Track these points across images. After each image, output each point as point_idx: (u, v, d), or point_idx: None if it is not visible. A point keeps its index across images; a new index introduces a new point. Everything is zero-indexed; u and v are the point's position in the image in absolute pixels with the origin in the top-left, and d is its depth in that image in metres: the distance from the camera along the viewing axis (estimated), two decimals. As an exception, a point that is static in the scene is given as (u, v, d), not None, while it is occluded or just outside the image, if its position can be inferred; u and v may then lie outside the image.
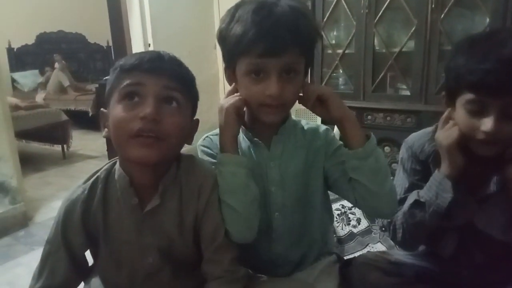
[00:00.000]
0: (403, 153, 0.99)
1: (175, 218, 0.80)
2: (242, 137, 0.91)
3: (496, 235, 0.85)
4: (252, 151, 0.89)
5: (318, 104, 0.82)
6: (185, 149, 0.82)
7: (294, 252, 0.94)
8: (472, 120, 0.78)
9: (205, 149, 0.92)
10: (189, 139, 0.81)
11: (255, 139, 0.89)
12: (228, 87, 0.88)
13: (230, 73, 0.85)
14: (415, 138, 0.96)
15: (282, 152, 0.89)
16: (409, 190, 0.94)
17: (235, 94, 0.84)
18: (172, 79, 0.74)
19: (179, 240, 0.81)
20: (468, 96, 0.77)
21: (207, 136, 0.94)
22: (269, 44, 0.75)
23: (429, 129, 0.95)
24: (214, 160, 0.85)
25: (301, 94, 0.84)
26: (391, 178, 0.83)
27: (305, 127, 0.93)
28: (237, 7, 0.81)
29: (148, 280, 0.82)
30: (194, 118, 0.83)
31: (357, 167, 0.79)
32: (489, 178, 0.85)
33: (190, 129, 0.80)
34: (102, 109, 0.79)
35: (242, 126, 0.89)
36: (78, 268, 0.82)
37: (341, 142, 0.86)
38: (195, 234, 0.82)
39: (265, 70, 0.77)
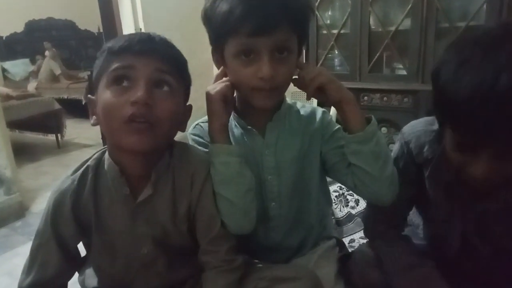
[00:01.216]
0: (397, 148, 0.86)
1: (168, 207, 0.78)
2: (234, 125, 0.87)
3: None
4: (246, 139, 0.86)
5: (316, 89, 0.78)
6: (178, 136, 0.79)
7: (291, 239, 0.92)
8: (461, 156, 0.66)
9: (196, 137, 0.88)
10: (182, 126, 0.78)
11: (249, 127, 0.85)
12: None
13: (218, 56, 0.81)
14: (414, 134, 0.82)
15: (277, 139, 0.86)
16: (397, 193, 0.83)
17: (223, 78, 0.80)
18: (164, 61, 0.71)
19: (173, 229, 0.79)
20: (455, 134, 0.65)
21: (197, 124, 0.90)
22: (258, 21, 0.70)
23: (432, 125, 0.81)
24: (206, 149, 0.81)
25: (296, 77, 0.81)
26: (392, 163, 0.79)
27: (301, 111, 0.90)
28: None
29: (143, 270, 0.81)
30: (187, 104, 0.80)
31: (357, 151, 0.76)
32: (495, 190, 0.74)
33: (183, 115, 0.77)
34: (89, 95, 0.76)
35: (234, 113, 0.85)
36: (70, 259, 0.80)
37: (339, 125, 0.83)
38: (190, 223, 0.80)
39: (255, 50, 0.73)
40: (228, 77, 0.80)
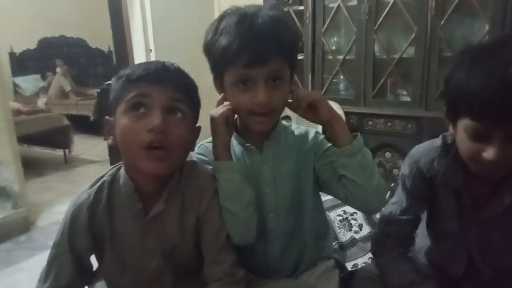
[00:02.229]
0: (405, 169, 0.92)
1: (177, 222, 0.82)
2: (235, 143, 0.93)
3: None
4: (245, 156, 0.92)
5: (307, 109, 0.85)
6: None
7: (289, 255, 0.95)
8: (474, 145, 0.73)
9: (201, 156, 0.94)
10: (192, 146, 0.84)
11: (247, 144, 0.91)
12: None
13: (218, 83, 0.88)
14: (422, 153, 0.89)
15: (274, 155, 0.92)
16: (406, 211, 0.92)
17: (225, 103, 0.87)
18: (178, 90, 0.76)
19: (181, 243, 0.82)
20: (469, 122, 0.71)
21: (202, 144, 0.96)
22: (253, 54, 0.77)
23: (437, 143, 0.89)
24: (210, 167, 0.87)
25: (290, 101, 0.87)
26: (379, 174, 0.85)
27: (295, 132, 0.96)
28: (220, 19, 0.83)
29: (150, 284, 0.83)
30: (197, 126, 0.85)
31: (345, 163, 0.82)
32: (496, 195, 0.81)
33: (192, 135, 0.83)
34: (106, 117, 0.80)
35: (235, 133, 0.92)
36: (83, 271, 0.83)
37: (330, 144, 0.90)
38: (197, 237, 0.83)
39: (251, 79, 0.80)
40: (228, 102, 0.87)
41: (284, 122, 0.96)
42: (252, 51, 0.77)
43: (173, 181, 0.82)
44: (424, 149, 0.90)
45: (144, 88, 0.74)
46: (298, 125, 1.00)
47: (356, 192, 0.83)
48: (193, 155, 0.95)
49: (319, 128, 0.95)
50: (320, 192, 0.99)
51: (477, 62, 0.71)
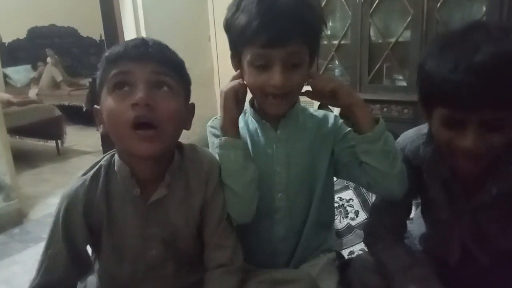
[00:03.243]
0: None
1: (181, 207, 0.80)
2: (250, 119, 0.93)
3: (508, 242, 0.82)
4: (260, 132, 0.91)
5: (327, 95, 0.84)
6: (193, 137, 0.81)
7: (293, 239, 0.95)
8: (450, 133, 0.71)
9: (213, 129, 0.94)
10: (187, 124, 0.81)
11: (263, 121, 0.90)
12: (223, 81, 0.87)
13: (236, 61, 0.86)
14: (408, 140, 0.88)
15: (289, 134, 0.91)
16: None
17: (239, 79, 0.85)
18: (160, 63, 0.73)
19: (184, 230, 0.81)
20: (442, 110, 0.70)
21: (216, 118, 0.95)
22: (272, 34, 0.75)
23: (423, 129, 0.87)
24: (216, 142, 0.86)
25: (307, 89, 0.86)
26: (400, 158, 0.83)
27: (314, 113, 0.95)
28: None
29: (150, 273, 0.81)
30: (190, 103, 0.82)
31: (367, 150, 0.81)
32: (486, 182, 0.79)
33: (186, 113, 0.80)
34: (95, 106, 0.77)
35: (251, 108, 0.91)
36: (79, 263, 0.80)
37: (350, 128, 0.88)
38: (200, 221, 0.82)
39: (269, 60, 0.79)
40: (242, 80, 0.86)
41: (302, 104, 0.95)
42: (271, 31, 0.75)
43: (174, 164, 0.80)
44: (410, 137, 0.89)
45: (124, 66, 0.71)
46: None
47: (379, 179, 0.82)
48: (207, 128, 0.95)
49: (336, 111, 0.93)
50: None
51: (447, 48, 0.69)
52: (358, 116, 0.81)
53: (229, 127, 0.83)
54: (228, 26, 0.84)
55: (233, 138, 0.83)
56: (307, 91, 0.87)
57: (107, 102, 0.71)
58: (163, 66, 0.73)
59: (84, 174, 0.79)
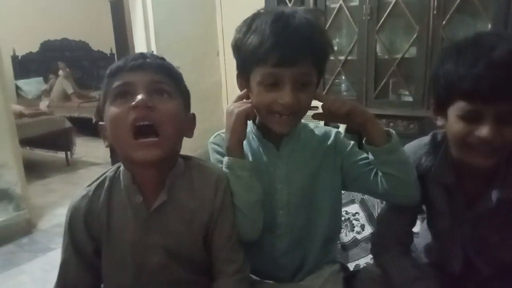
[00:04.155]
0: None
1: (184, 214, 0.80)
2: (251, 136, 0.93)
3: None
4: (261, 150, 0.92)
5: (341, 117, 0.87)
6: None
7: (295, 253, 0.95)
8: (467, 126, 0.75)
9: (215, 146, 0.94)
10: (188, 132, 0.83)
11: (265, 139, 0.91)
12: (231, 94, 0.89)
13: (242, 81, 0.87)
14: (411, 151, 0.91)
15: (291, 152, 0.91)
16: (401, 210, 0.92)
17: (245, 100, 0.86)
18: (158, 72, 0.76)
19: (187, 237, 0.81)
20: (461, 104, 0.74)
21: (218, 134, 0.96)
22: (285, 53, 0.77)
23: (425, 140, 0.91)
24: (223, 158, 0.87)
25: (316, 110, 0.88)
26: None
27: (315, 130, 0.96)
28: (254, 17, 0.83)
29: (154, 280, 0.82)
30: (191, 113, 0.84)
31: (387, 161, 0.84)
32: (487, 190, 0.82)
33: (186, 121, 0.82)
34: (100, 122, 0.80)
35: (253, 125, 0.92)
36: (90, 270, 0.82)
37: (353, 142, 0.91)
38: (207, 232, 0.83)
39: (279, 79, 0.80)
40: (248, 99, 0.87)
41: (303, 120, 0.96)
42: (284, 51, 0.77)
43: (176, 169, 0.81)
44: (413, 148, 0.92)
45: (125, 77, 0.74)
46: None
47: (399, 187, 0.85)
48: (209, 144, 0.96)
49: (342, 128, 0.95)
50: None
51: (463, 51, 0.75)
52: (372, 131, 0.85)
53: (235, 148, 0.84)
54: (238, 46, 0.84)
55: (240, 159, 0.84)
56: (316, 114, 0.89)
57: (110, 111, 0.74)
58: (160, 75, 0.77)
59: (90, 185, 0.82)
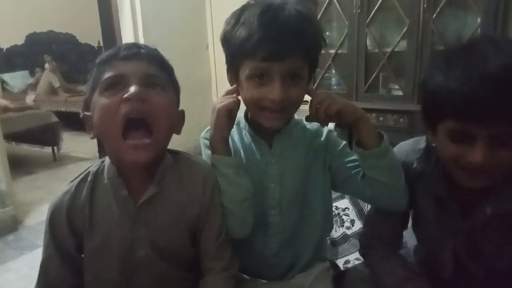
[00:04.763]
0: None
1: (173, 208, 0.79)
2: (244, 133, 0.91)
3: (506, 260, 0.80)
4: (254, 147, 0.90)
5: (332, 116, 0.83)
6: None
7: (287, 252, 0.93)
8: (458, 149, 0.68)
9: (206, 141, 0.92)
10: (177, 128, 0.81)
11: (257, 136, 0.89)
12: (221, 88, 0.87)
13: (232, 75, 0.85)
14: (402, 153, 0.86)
15: (283, 150, 0.90)
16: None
17: (233, 95, 0.84)
18: (151, 63, 0.74)
19: (174, 231, 0.79)
20: (451, 123, 0.67)
21: (208, 129, 0.93)
22: (274, 48, 0.74)
23: (420, 144, 0.86)
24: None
25: (305, 104, 0.84)
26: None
27: (307, 126, 0.94)
28: (242, 9, 0.80)
29: (140, 274, 0.80)
30: (179, 109, 0.82)
31: (374, 165, 0.81)
32: (481, 202, 0.78)
33: (176, 117, 0.79)
34: (85, 112, 0.77)
35: (245, 122, 0.90)
36: (73, 268, 0.79)
37: (344, 142, 0.89)
38: (195, 228, 0.81)
39: (268, 74, 0.77)
40: (238, 94, 0.85)
41: (296, 116, 0.93)
42: (273, 44, 0.74)
43: (165, 163, 0.78)
44: (406, 150, 0.88)
45: (117, 67, 0.71)
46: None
47: (386, 193, 0.82)
48: (200, 139, 0.94)
49: (331, 124, 0.93)
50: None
51: (454, 61, 0.67)
52: (363, 132, 0.81)
53: (219, 145, 0.82)
54: (227, 39, 0.82)
55: (223, 155, 0.82)
56: (308, 117, 0.86)
57: (99, 102, 0.70)
58: (154, 66, 0.74)
59: (73, 180, 0.79)
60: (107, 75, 0.71)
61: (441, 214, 0.83)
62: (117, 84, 0.70)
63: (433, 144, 0.79)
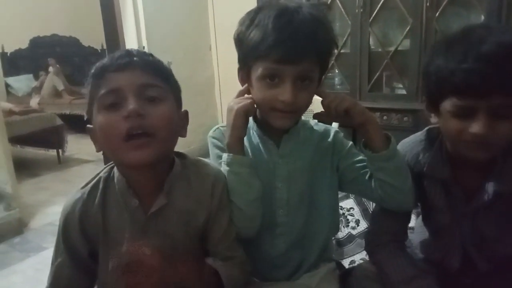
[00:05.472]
0: None
1: (182, 216, 0.79)
2: (252, 132, 0.92)
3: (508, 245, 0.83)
4: (262, 147, 0.91)
5: (341, 115, 0.84)
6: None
7: (294, 253, 0.94)
8: (460, 123, 0.74)
9: (215, 141, 0.93)
10: (182, 131, 0.80)
11: (265, 136, 0.90)
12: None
13: (243, 75, 0.86)
14: (407, 148, 0.90)
15: (291, 150, 0.90)
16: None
17: (246, 96, 0.85)
18: (146, 70, 0.73)
19: (184, 240, 0.80)
20: (453, 100, 0.73)
21: (217, 128, 0.95)
22: (287, 50, 0.75)
23: (420, 136, 0.91)
24: (222, 154, 0.86)
25: (315, 104, 0.85)
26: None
27: (315, 127, 0.95)
28: (257, 11, 0.81)
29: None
30: (182, 110, 0.82)
31: (382, 167, 0.82)
32: (484, 184, 0.82)
33: (179, 120, 0.79)
34: (88, 125, 0.77)
35: (253, 122, 0.91)
36: (84, 273, 0.80)
37: (351, 142, 0.89)
38: (204, 232, 0.82)
39: (280, 76, 0.78)
40: (249, 94, 0.85)
41: (303, 117, 0.94)
42: (286, 48, 0.75)
43: (174, 172, 0.79)
44: (409, 144, 0.91)
45: (111, 81, 0.71)
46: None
47: (394, 194, 0.83)
48: (208, 138, 0.94)
49: (335, 124, 0.93)
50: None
51: (452, 45, 0.74)
52: (371, 134, 0.82)
53: (236, 145, 0.82)
54: (240, 39, 0.83)
55: (240, 155, 0.82)
56: (317, 114, 0.87)
57: (99, 120, 0.71)
58: (149, 74, 0.73)
59: (84, 186, 0.80)
60: (102, 91, 0.71)
61: (449, 200, 0.86)
62: (114, 103, 0.70)
63: (437, 125, 0.84)
